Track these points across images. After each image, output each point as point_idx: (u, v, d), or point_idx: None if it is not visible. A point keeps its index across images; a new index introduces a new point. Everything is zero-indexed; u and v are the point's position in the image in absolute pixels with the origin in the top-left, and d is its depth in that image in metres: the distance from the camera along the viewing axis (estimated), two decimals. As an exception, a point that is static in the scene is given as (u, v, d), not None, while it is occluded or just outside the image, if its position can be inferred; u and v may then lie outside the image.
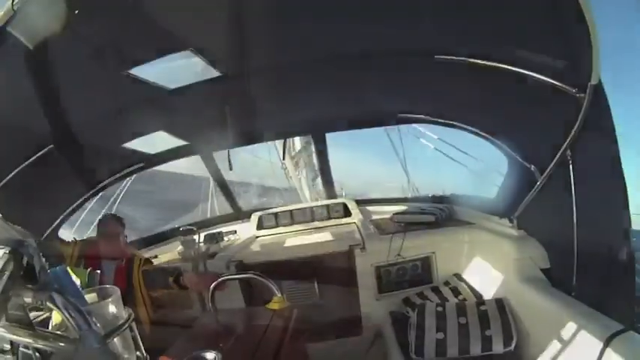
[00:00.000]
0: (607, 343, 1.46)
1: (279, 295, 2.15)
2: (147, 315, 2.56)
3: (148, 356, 0.92)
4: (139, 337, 0.91)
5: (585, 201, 1.84)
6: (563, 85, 1.66)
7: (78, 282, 1.03)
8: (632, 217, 1.67)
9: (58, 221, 3.09)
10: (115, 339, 0.86)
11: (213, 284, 2.25)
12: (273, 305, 2.13)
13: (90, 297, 0.95)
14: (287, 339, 1.80)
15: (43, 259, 0.81)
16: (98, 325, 0.80)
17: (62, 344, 0.74)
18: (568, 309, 1.80)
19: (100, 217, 2.79)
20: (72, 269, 1.03)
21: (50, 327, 0.88)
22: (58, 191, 2.99)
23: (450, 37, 1.90)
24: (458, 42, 1.93)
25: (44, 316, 0.90)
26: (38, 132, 2.26)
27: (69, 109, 2.17)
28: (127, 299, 2.50)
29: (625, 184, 1.66)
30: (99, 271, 1.10)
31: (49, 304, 0.76)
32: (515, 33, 1.70)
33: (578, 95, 1.61)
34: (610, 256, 1.75)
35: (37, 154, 2.33)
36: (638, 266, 1.83)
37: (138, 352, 0.90)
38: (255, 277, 2.23)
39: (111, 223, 2.65)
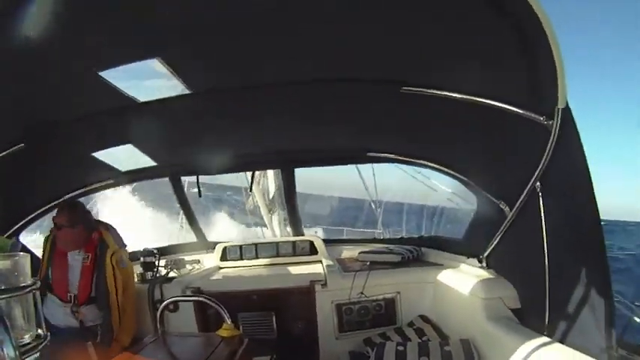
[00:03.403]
0: None
1: (229, 322, 2.02)
2: (117, 313, 2.60)
3: (49, 334, 0.80)
4: (42, 313, 0.80)
5: (557, 235, 1.74)
6: (531, 114, 1.59)
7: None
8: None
9: (20, 224, 2.88)
10: (16, 309, 0.75)
11: (162, 305, 2.10)
12: (223, 332, 1.99)
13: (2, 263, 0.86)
14: None
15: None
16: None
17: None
18: (540, 348, 1.67)
19: None
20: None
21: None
22: (25, 193, 2.82)
23: (416, 67, 1.91)
24: (422, 73, 1.94)
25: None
26: (10, 129, 2.21)
27: (43, 108, 2.12)
28: (98, 293, 2.54)
29: (599, 215, 1.51)
30: (19, 241, 0.99)
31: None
32: (480, 61, 1.67)
33: (546, 123, 1.53)
34: (586, 292, 1.60)
35: (7, 151, 2.25)
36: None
37: (40, 330, 0.78)
38: (206, 301, 2.09)
39: (62, 214, 2.56)
